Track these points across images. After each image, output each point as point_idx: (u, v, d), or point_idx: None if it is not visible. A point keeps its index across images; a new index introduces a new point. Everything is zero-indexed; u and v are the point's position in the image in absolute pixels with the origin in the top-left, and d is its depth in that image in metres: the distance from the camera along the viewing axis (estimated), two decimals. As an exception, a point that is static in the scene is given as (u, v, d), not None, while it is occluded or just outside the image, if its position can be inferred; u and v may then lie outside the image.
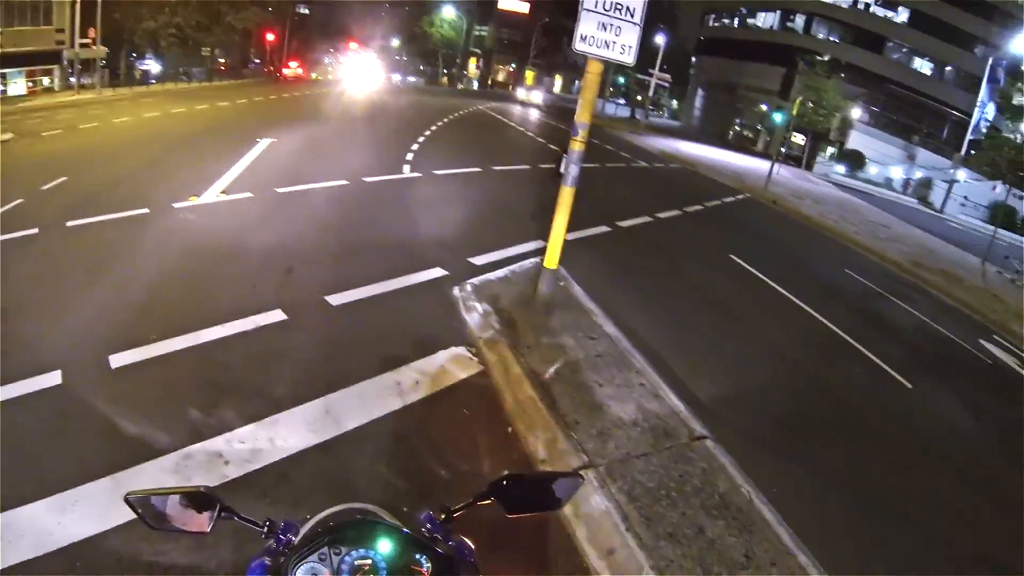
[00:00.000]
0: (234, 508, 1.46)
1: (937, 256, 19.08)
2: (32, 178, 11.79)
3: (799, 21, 55.50)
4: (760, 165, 29.61)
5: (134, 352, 5.48)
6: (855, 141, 46.19)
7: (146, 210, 9.53)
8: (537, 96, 44.89)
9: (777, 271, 11.19)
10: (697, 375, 6.51)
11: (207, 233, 8.70)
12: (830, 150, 47.80)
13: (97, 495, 3.87)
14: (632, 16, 5.86)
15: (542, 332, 6.07)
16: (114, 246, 8.22)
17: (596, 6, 5.85)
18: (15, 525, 3.63)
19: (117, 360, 5.35)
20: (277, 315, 6.21)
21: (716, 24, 66.61)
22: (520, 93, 46.53)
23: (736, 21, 63.94)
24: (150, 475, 4.02)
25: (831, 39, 51.69)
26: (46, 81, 42.41)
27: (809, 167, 44.13)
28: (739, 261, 11.23)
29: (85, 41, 34.95)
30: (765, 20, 59.76)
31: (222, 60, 65.00)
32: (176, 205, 9.81)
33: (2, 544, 3.50)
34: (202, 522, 1.44)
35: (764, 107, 45.51)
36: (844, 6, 52.15)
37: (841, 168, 45.21)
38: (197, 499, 1.44)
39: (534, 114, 36.08)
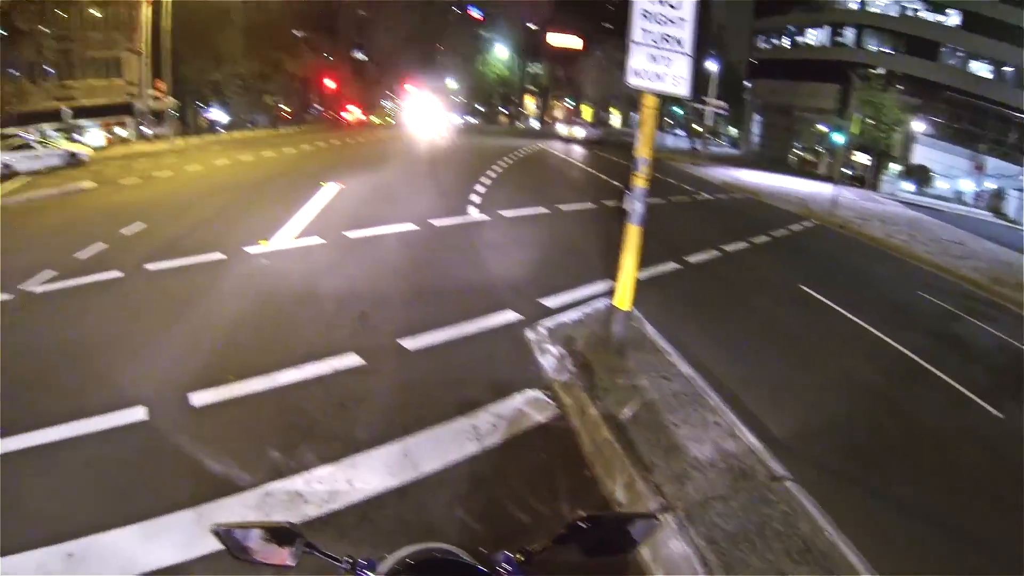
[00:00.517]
0: (316, 544, 1.58)
1: (1016, 270, 18.14)
2: (113, 224, 12.74)
3: (849, 35, 55.24)
4: (824, 189, 29.19)
5: (214, 392, 5.86)
6: (920, 155, 45.05)
7: (221, 255, 10.17)
8: (580, 131, 43.91)
9: (848, 298, 11.02)
10: (773, 410, 6.46)
11: (281, 277, 9.22)
12: (894, 167, 46.59)
13: (181, 526, 4.18)
14: (681, 46, 5.96)
15: (617, 374, 6.15)
16: (192, 289, 8.80)
17: (644, 39, 5.98)
18: (101, 549, 3.98)
19: (198, 399, 5.74)
20: (353, 359, 6.52)
21: (767, 45, 66.83)
22: (561, 129, 45.63)
23: (786, 40, 64.06)
24: (232, 510, 4.29)
25: (883, 50, 51.19)
26: (122, 132, 45.77)
27: (874, 187, 43.03)
28: (809, 290, 11.12)
29: (155, 93, 37.44)
30: (815, 37, 59.64)
31: (285, 108, 68.55)
32: (250, 250, 10.42)
33: (88, 566, 3.83)
34: (285, 556, 1.56)
35: (822, 127, 44.87)
36: (893, 14, 51.72)
37: (908, 185, 44.00)
38: (281, 534, 1.58)
39: (595, 151, 36.56)
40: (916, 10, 50.77)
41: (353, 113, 63.36)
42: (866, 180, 43.25)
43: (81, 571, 3.81)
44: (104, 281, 9.19)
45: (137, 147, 37.28)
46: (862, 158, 44.87)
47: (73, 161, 23.96)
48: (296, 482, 4.60)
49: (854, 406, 7.20)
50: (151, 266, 9.72)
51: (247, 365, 6.35)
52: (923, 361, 8.92)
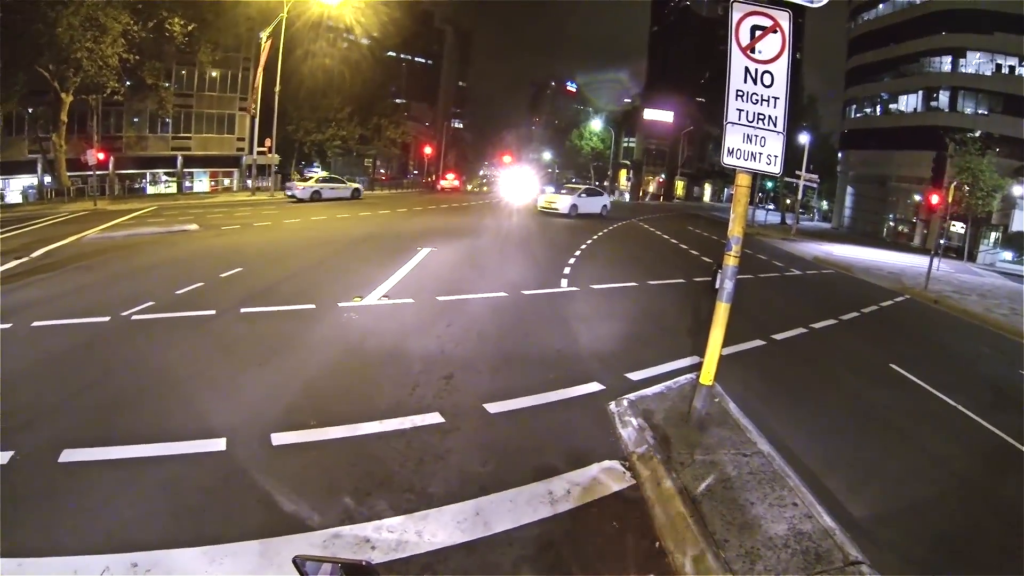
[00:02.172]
0: None
1: None
2: (212, 266, 13.80)
3: (943, 99, 54.16)
4: (918, 262, 28.19)
5: (294, 434, 6.21)
6: (1020, 222, 42.62)
7: (313, 306, 10.81)
8: (589, 203, 34.10)
9: (942, 378, 10.46)
10: (854, 493, 6.22)
11: (369, 333, 9.66)
12: (993, 236, 44.46)
13: (246, 554, 4.43)
14: (775, 125, 6.19)
15: (696, 448, 6.16)
16: (281, 335, 9.37)
17: (740, 119, 6.25)
18: (166, 564, 4.29)
19: (278, 439, 6.09)
20: (435, 418, 6.75)
21: (858, 115, 65.71)
22: (543, 199, 35.17)
23: (878, 109, 62.79)
24: (298, 547, 4.48)
25: (979, 112, 49.87)
26: (226, 182, 49.86)
27: (972, 258, 40.99)
28: (899, 370, 10.66)
29: (262, 149, 41.02)
30: (907, 103, 58.39)
31: (383, 171, 72.32)
32: (341, 304, 11.01)
33: None
34: None
35: (917, 197, 43.26)
36: (987, 73, 50.37)
37: (1008, 255, 41.58)
38: (357, 571, 1.72)
39: (687, 225, 36.64)
40: (1012, 67, 49.57)
41: (450, 180, 66.12)
42: (963, 251, 41.29)
43: None
44: (199, 317, 9.97)
45: (239, 196, 40.39)
46: (958, 227, 42.97)
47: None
48: (366, 528, 4.76)
49: (942, 493, 6.80)
50: (244, 309, 10.45)
51: (329, 413, 6.69)
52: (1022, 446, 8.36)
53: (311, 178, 37.83)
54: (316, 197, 34.97)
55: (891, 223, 58.87)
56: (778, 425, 7.38)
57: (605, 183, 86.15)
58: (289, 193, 36.08)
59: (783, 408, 8.27)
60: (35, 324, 9.45)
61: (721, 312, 6.48)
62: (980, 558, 5.75)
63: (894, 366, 10.88)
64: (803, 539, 4.76)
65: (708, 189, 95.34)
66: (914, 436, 8.22)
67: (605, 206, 35.19)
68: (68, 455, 5.61)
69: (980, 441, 8.47)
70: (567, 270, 15.90)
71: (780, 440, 6.79)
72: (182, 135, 48.71)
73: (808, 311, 14.34)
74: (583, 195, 34.69)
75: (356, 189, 39.11)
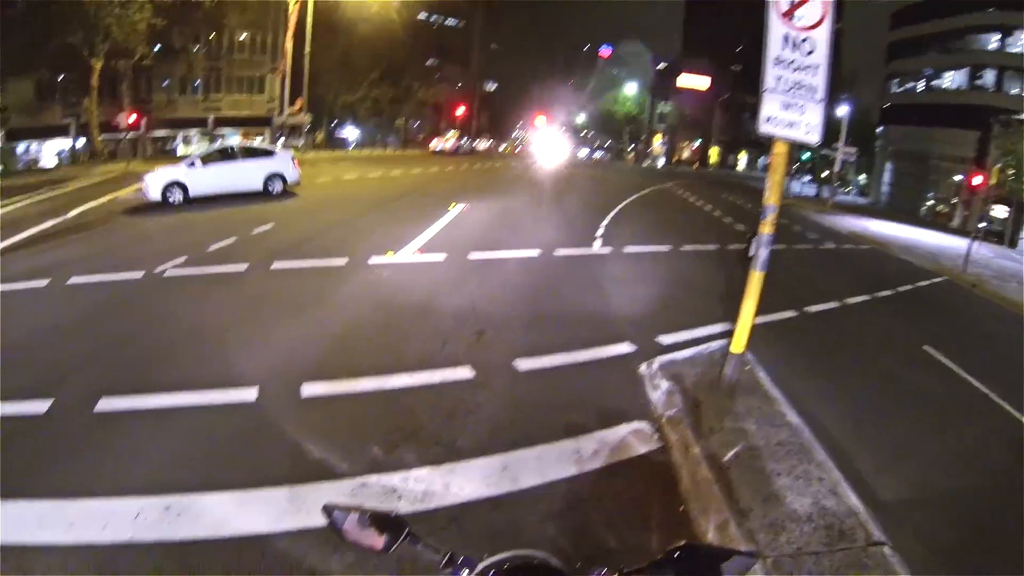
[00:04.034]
0: (419, 536, 1.71)
1: None
2: (244, 222, 13.90)
3: (989, 78, 52.05)
4: (957, 243, 27.26)
5: (324, 385, 6.26)
6: None
7: (344, 261, 10.87)
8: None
9: (977, 365, 10.10)
10: (880, 474, 6.10)
11: (401, 288, 9.71)
12: None
13: (274, 500, 4.49)
14: (815, 94, 5.95)
15: (725, 415, 6.10)
16: (313, 289, 9.45)
17: (777, 86, 6.02)
18: (198, 508, 4.38)
19: (308, 389, 6.15)
20: (465, 372, 6.76)
21: (900, 89, 63.52)
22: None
23: (921, 84, 60.66)
24: (326, 494, 4.54)
25: None
26: (257, 140, 50.16)
27: (1013, 243, 39.24)
28: (933, 352, 10.35)
29: (292, 110, 40.85)
30: (952, 80, 56.24)
31: (420, 134, 72.16)
32: (372, 260, 11.06)
33: (183, 520, 4.23)
34: (385, 542, 1.70)
35: (959, 177, 41.84)
36: None
37: None
38: (388, 521, 1.72)
39: (721, 193, 36.05)
40: None
41: (445, 139, 65.04)
42: (1004, 236, 40.01)
43: (176, 523, 4.20)
44: (232, 272, 10.09)
45: (271, 156, 40.47)
46: (1001, 211, 41.60)
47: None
48: (393, 478, 4.79)
49: (970, 483, 6.63)
50: (276, 264, 10.53)
51: (359, 365, 6.74)
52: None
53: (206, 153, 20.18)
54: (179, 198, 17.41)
55: (930, 202, 57.19)
56: (807, 397, 7.22)
57: (639, 148, 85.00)
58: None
59: (813, 381, 8.12)
60: (71, 281, 9.64)
61: (755, 280, 6.35)
62: (1006, 553, 5.60)
63: (928, 348, 10.59)
64: (827, 515, 4.70)
65: (743, 158, 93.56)
66: (945, 422, 8.01)
67: None
68: (104, 404, 5.74)
69: (1013, 433, 8.23)
70: (600, 231, 15.77)
71: (809, 413, 6.64)
72: (213, 97, 49.01)
73: (842, 285, 14.03)
74: None
75: (273, 177, 19.58)
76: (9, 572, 3.73)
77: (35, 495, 4.43)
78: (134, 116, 33.77)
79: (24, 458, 4.91)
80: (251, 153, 20.09)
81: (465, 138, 66.85)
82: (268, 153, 20.53)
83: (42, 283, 9.51)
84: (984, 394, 9.09)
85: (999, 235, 40.39)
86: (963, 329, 13.74)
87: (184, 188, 17.20)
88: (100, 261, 10.90)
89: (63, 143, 40.71)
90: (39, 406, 5.65)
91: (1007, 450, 7.66)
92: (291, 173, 19.99)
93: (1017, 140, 36.73)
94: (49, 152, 41.09)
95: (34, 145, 40.53)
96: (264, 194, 18.92)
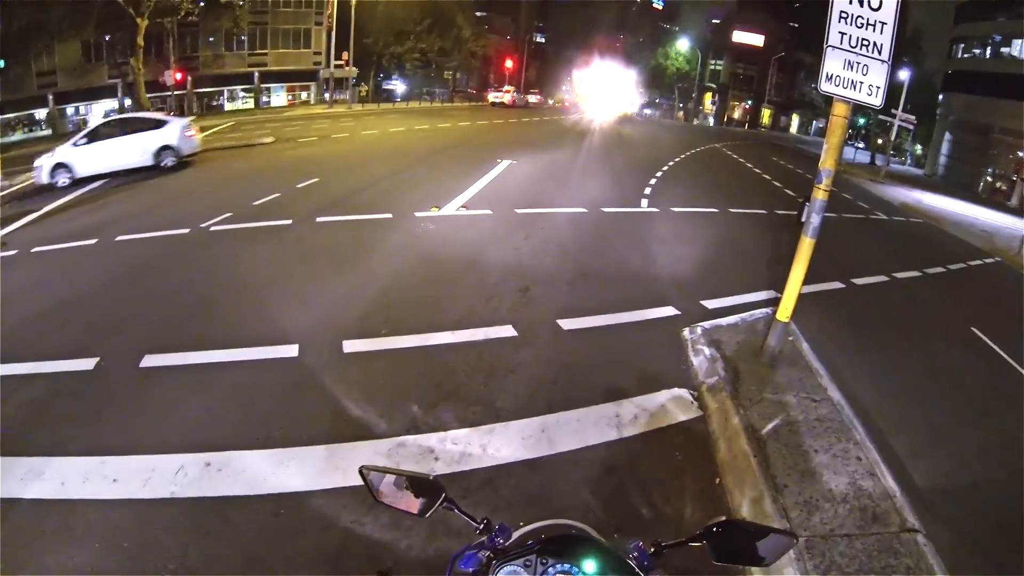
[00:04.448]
0: (456, 501, 1.68)
1: None
2: (289, 177, 14.02)
3: None
4: (1014, 223, 26.09)
5: (366, 342, 6.28)
6: None
7: (389, 215, 10.86)
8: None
9: None
10: (919, 458, 5.85)
11: (446, 243, 9.66)
12: None
13: (312, 458, 4.53)
14: (880, 53, 5.56)
15: (765, 386, 5.93)
16: (357, 244, 9.46)
17: (841, 42, 5.67)
18: (237, 465, 4.45)
19: (349, 346, 6.17)
20: (508, 331, 6.70)
21: (965, 56, 60.07)
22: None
23: (988, 51, 57.36)
24: (363, 454, 4.55)
25: None
26: (303, 95, 50.46)
27: None
28: (981, 335, 9.90)
29: (339, 63, 40.90)
30: (1022, 49, 53.21)
31: (471, 88, 71.64)
32: (418, 214, 11.02)
33: (222, 477, 4.32)
34: (416, 505, 1.69)
35: (1021, 154, 39.88)
36: None
37: None
38: (423, 485, 1.70)
39: (772, 156, 35.02)
40: None
41: (518, 93, 64.33)
42: None
43: (215, 479, 4.28)
44: (276, 227, 10.17)
45: (317, 109, 40.78)
46: None
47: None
48: (431, 439, 4.79)
49: (1010, 476, 6.35)
50: (321, 219, 10.56)
51: (402, 322, 6.73)
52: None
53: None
54: (65, 180, 16.23)
55: (989, 178, 54.62)
56: (849, 373, 6.98)
57: (689, 105, 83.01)
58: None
59: (856, 357, 7.83)
60: (119, 238, 9.89)
61: (805, 247, 6.09)
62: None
63: (976, 330, 10.13)
64: (862, 496, 4.55)
65: (796, 120, 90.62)
66: (989, 410, 7.65)
67: None
68: (149, 360, 5.87)
69: None
70: (648, 190, 15.42)
71: (850, 389, 6.42)
72: (258, 51, 49.11)
73: (891, 259, 13.48)
74: None
75: (164, 150, 17.57)
76: (53, 526, 3.83)
77: (80, 451, 4.54)
78: (180, 74, 34.20)
79: (70, 414, 5.06)
80: (138, 125, 17.88)
81: (519, 92, 66.11)
82: (158, 124, 18.05)
83: (91, 241, 9.81)
84: (1030, 382, 8.71)
85: (1060, 216, 38.71)
86: (1014, 314, 13.13)
87: (69, 168, 15.93)
88: (148, 218, 11.13)
89: (111, 104, 41.50)
90: (86, 363, 5.81)
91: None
92: (185, 144, 17.85)
93: None
94: (98, 112, 41.96)
95: (82, 107, 41.38)
96: (156, 168, 17.04)
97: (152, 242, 9.65)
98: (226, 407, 5.15)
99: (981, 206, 36.39)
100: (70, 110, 40.81)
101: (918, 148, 75.83)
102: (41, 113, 37.51)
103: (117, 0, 34.03)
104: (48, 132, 35.33)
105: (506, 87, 64.84)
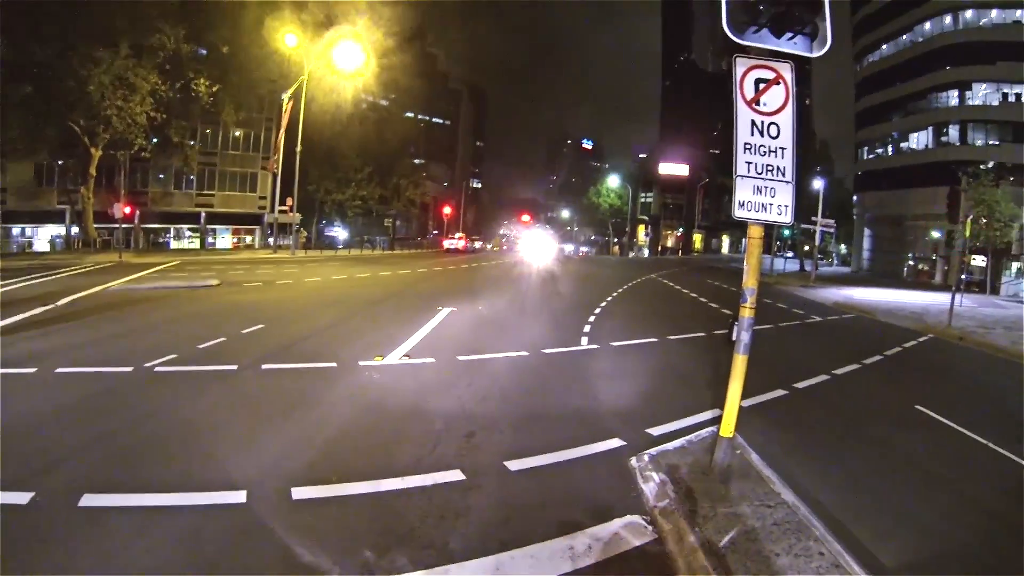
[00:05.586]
0: None
1: None
2: (234, 321, 14.12)
3: (953, 133, 55.17)
4: (940, 299, 28.40)
5: (315, 488, 6.29)
6: None
7: (334, 364, 11.01)
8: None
9: (971, 417, 10.29)
10: (883, 540, 6.08)
11: (390, 392, 9.80)
12: (1015, 266, 44.73)
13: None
14: (784, 175, 6.36)
15: (718, 501, 6.16)
16: (303, 392, 9.53)
17: (748, 171, 6.43)
18: None
19: (298, 493, 6.17)
20: (456, 475, 6.80)
21: (871, 156, 66.60)
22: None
23: (890, 149, 63.67)
24: (317, 602, 4.50)
25: (990, 143, 50.88)
26: (248, 239, 51.15)
27: (995, 290, 41.03)
28: (926, 411, 10.51)
29: (283, 208, 42.11)
30: (918, 140, 59.34)
31: (406, 233, 73.82)
32: (362, 363, 11.19)
33: None
34: None
35: (936, 234, 43.31)
36: (995, 103, 51.48)
37: None
38: None
39: (706, 278, 36.83)
40: (1018, 95, 50.68)
41: (468, 239, 67.19)
42: (985, 284, 41.14)
43: None
44: (222, 371, 10.19)
45: (261, 254, 41.24)
46: (979, 260, 42.95)
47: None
48: (386, 584, 4.82)
49: (977, 536, 6.63)
50: (266, 365, 10.64)
51: (350, 468, 6.77)
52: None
53: None
54: None
55: (911, 262, 59.19)
56: (802, 475, 7.33)
57: (624, 239, 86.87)
58: None
59: (807, 457, 8.21)
60: (59, 370, 9.75)
61: (739, 364, 6.56)
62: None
63: (920, 407, 10.78)
64: None
65: (727, 240, 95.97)
66: (945, 478, 8.09)
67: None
68: (88, 500, 5.76)
69: (1016, 478, 8.33)
70: (587, 328, 16.03)
71: (805, 490, 6.75)
72: (206, 192, 50.36)
73: (830, 358, 14.31)
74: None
75: None
76: None
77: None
78: (128, 207, 34.49)
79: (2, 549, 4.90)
80: None
81: (472, 238, 70.08)
82: None
83: (30, 371, 9.67)
84: (982, 444, 9.24)
85: (980, 284, 41.79)
86: (953, 383, 13.95)
87: None
88: (89, 352, 11.05)
89: (57, 229, 41.32)
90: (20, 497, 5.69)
91: (1012, 497, 7.70)
92: None
93: (986, 189, 38.50)
94: (43, 236, 41.62)
95: (28, 229, 41.15)
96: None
97: (95, 377, 9.54)
98: (171, 552, 5.05)
99: (908, 289, 39.40)
100: (16, 230, 40.32)
101: (843, 247, 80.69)
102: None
103: (74, 127, 34.77)
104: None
105: (459, 234, 68.25)
